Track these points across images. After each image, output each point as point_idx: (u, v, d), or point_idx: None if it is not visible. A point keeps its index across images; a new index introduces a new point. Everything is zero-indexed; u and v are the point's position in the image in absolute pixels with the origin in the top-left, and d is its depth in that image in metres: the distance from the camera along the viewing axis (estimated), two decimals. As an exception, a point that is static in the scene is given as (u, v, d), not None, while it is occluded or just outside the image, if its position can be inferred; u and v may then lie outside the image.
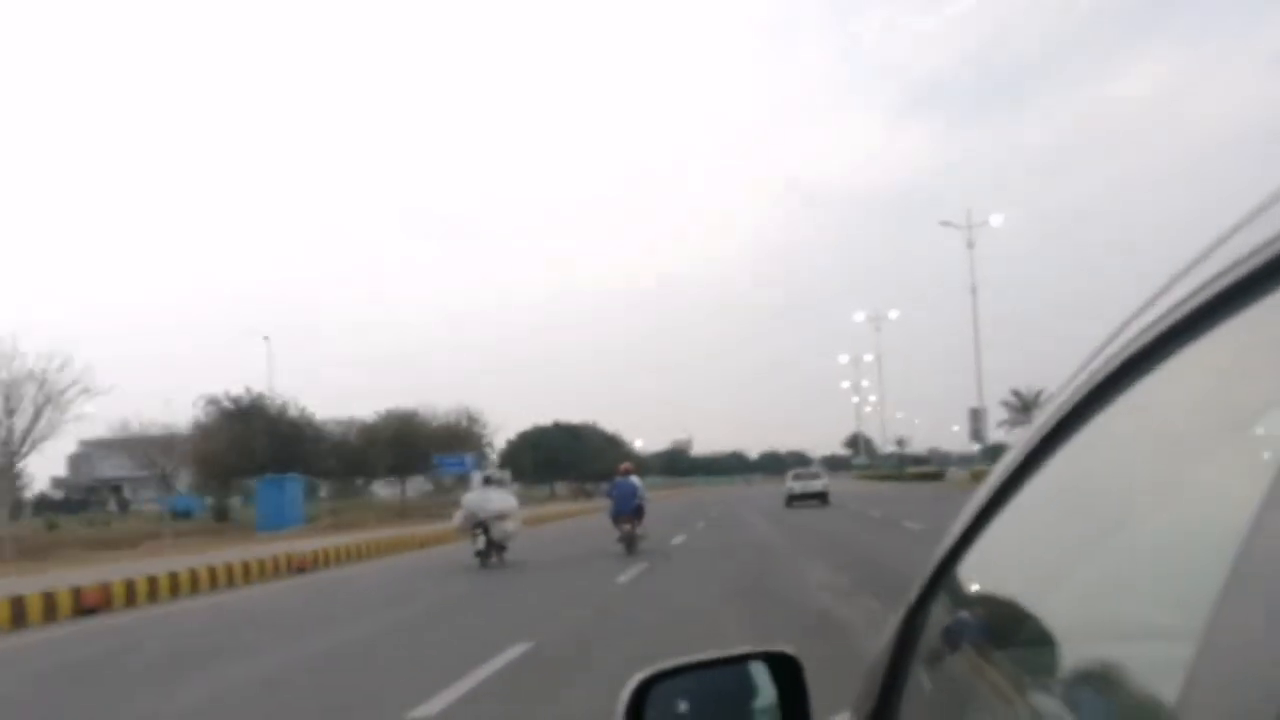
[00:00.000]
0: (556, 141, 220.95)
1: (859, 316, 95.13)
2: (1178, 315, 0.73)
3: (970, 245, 59.86)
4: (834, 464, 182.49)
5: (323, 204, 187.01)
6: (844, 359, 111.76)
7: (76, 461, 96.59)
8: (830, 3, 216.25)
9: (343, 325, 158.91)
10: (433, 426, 60.96)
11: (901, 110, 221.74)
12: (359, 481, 62.18)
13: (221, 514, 47.84)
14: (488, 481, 23.71)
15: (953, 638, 1.17)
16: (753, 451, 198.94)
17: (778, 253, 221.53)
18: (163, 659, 10.24)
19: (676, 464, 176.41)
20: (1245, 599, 0.55)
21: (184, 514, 57.89)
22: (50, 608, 14.16)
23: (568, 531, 34.76)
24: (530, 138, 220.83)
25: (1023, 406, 73.04)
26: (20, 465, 33.32)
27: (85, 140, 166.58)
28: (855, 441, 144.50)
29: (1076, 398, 0.90)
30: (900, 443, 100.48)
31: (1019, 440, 1.04)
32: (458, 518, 20.40)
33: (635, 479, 21.87)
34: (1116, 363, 0.83)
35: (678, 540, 24.21)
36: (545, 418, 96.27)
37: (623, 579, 15.40)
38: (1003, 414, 74.07)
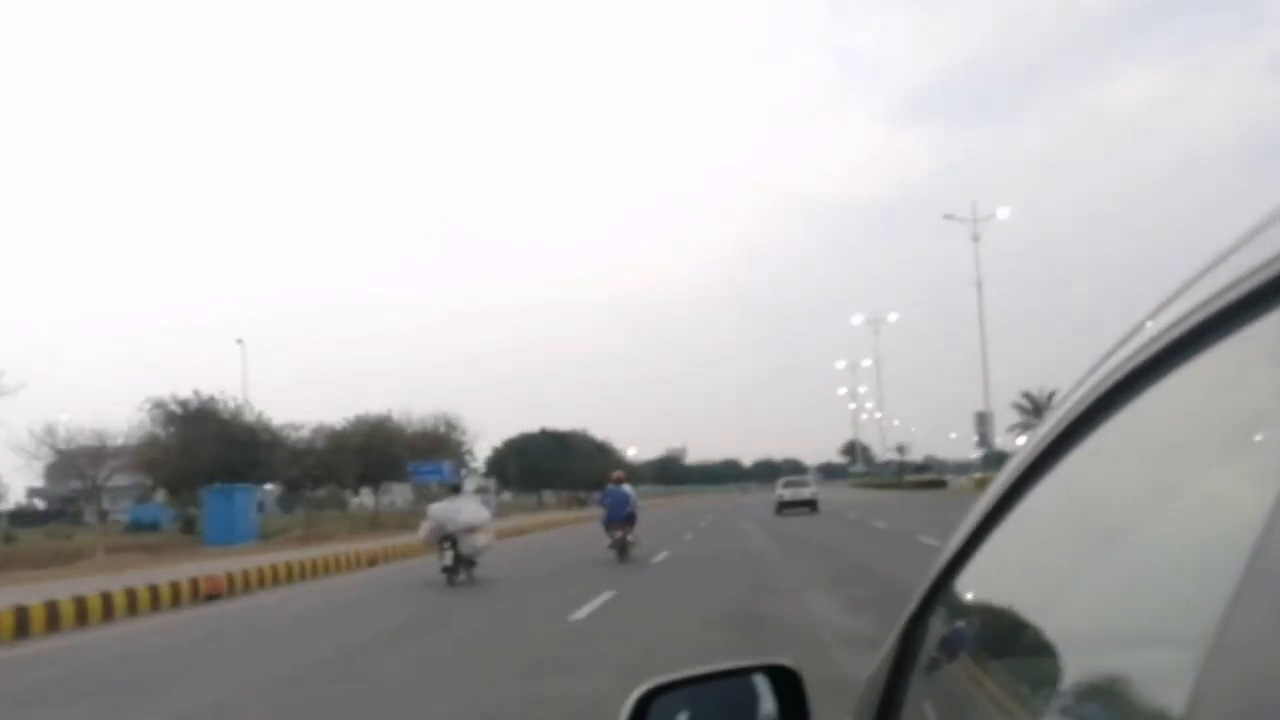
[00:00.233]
0: (550, 147, 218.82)
1: (857, 320, 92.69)
2: (1181, 329, 0.74)
3: (976, 239, 57.20)
4: (830, 472, 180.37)
5: (311, 209, 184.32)
6: (841, 364, 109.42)
7: (53, 471, 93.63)
8: (825, 10, 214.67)
9: (327, 332, 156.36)
10: (408, 433, 57.90)
11: (897, 116, 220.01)
12: (335, 491, 58.96)
13: (189, 526, 44.75)
14: (457, 490, 21.68)
15: (952, 648, 1.18)
16: (747, 460, 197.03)
17: (774, 258, 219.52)
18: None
19: (669, 472, 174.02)
20: (1252, 609, 0.55)
21: (150, 526, 54.65)
22: None
23: (554, 542, 32.54)
24: (525, 143, 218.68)
25: (1035, 410, 70.00)
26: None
27: (58, 144, 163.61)
28: (852, 449, 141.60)
29: (1079, 409, 0.90)
30: (900, 449, 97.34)
31: (1020, 450, 1.03)
32: (424, 530, 18.56)
33: (627, 487, 21.92)
34: (1119, 375, 0.83)
35: (659, 558, 21.11)
36: (535, 426, 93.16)
37: (579, 615, 12.29)
38: (1013, 418, 71.00)
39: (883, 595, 10.82)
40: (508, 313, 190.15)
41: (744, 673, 1.40)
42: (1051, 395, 66.59)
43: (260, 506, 50.07)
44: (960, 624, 1.19)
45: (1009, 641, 1.06)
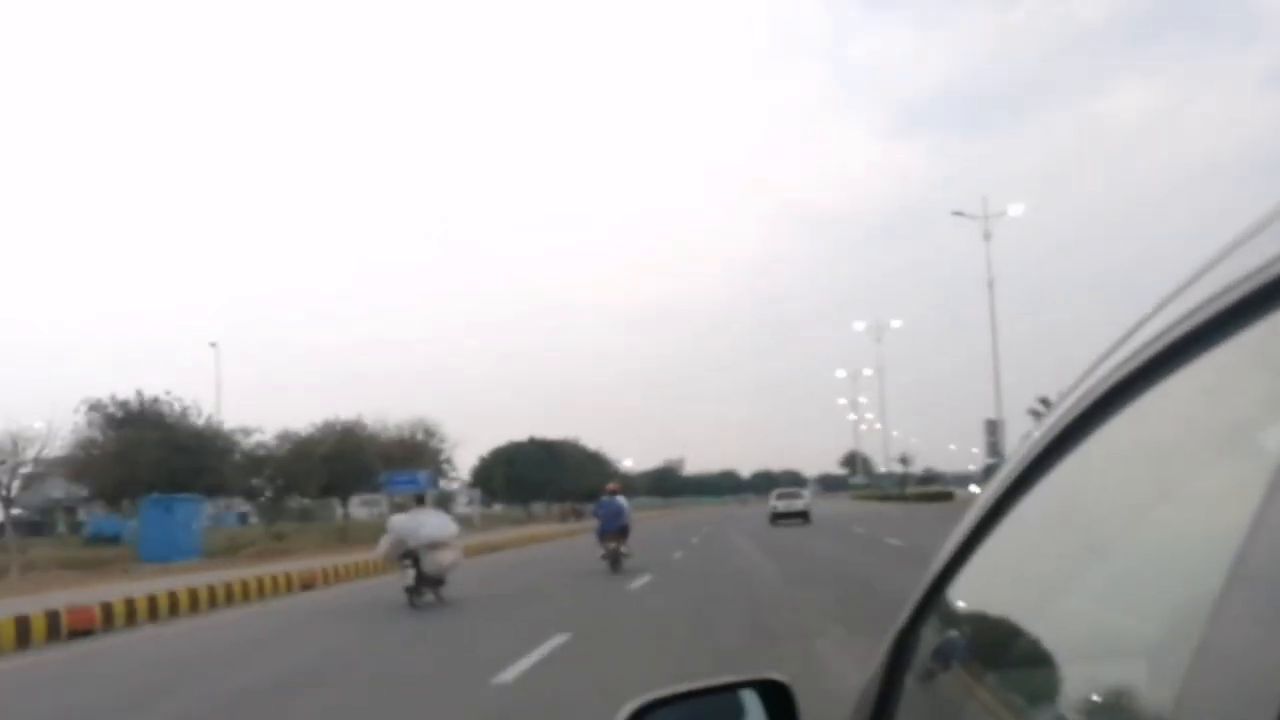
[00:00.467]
0: (549, 156, 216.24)
1: (859, 326, 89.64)
2: (1170, 337, 0.75)
3: (987, 237, 54.03)
4: (829, 484, 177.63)
5: (299, 213, 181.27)
6: (841, 373, 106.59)
7: (29, 481, 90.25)
8: (823, 23, 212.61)
9: (312, 339, 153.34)
10: (383, 440, 54.46)
11: (897, 128, 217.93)
12: (325, 502, 55.42)
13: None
14: (421, 501, 19.44)
15: (944, 657, 1.18)
16: (746, 471, 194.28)
17: (775, 269, 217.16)
18: None
19: (666, 483, 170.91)
20: (1235, 615, 0.56)
21: (112, 538, 51.18)
22: None
23: (538, 557, 30.07)
24: (522, 151, 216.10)
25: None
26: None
27: (41, 145, 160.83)
28: (852, 460, 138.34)
29: (1069, 417, 0.90)
30: (904, 460, 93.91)
31: (1012, 459, 1.03)
32: (382, 545, 16.72)
33: (621, 499, 21.89)
34: (1109, 383, 0.84)
35: (638, 583, 17.73)
36: (528, 436, 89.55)
37: (506, 678, 8.89)
38: (1025, 425, 67.61)
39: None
40: (501, 322, 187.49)
41: (736, 687, 1.38)
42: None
43: (236, 518, 46.81)
44: (953, 633, 1.19)
45: (1002, 650, 1.07)
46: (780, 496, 50.19)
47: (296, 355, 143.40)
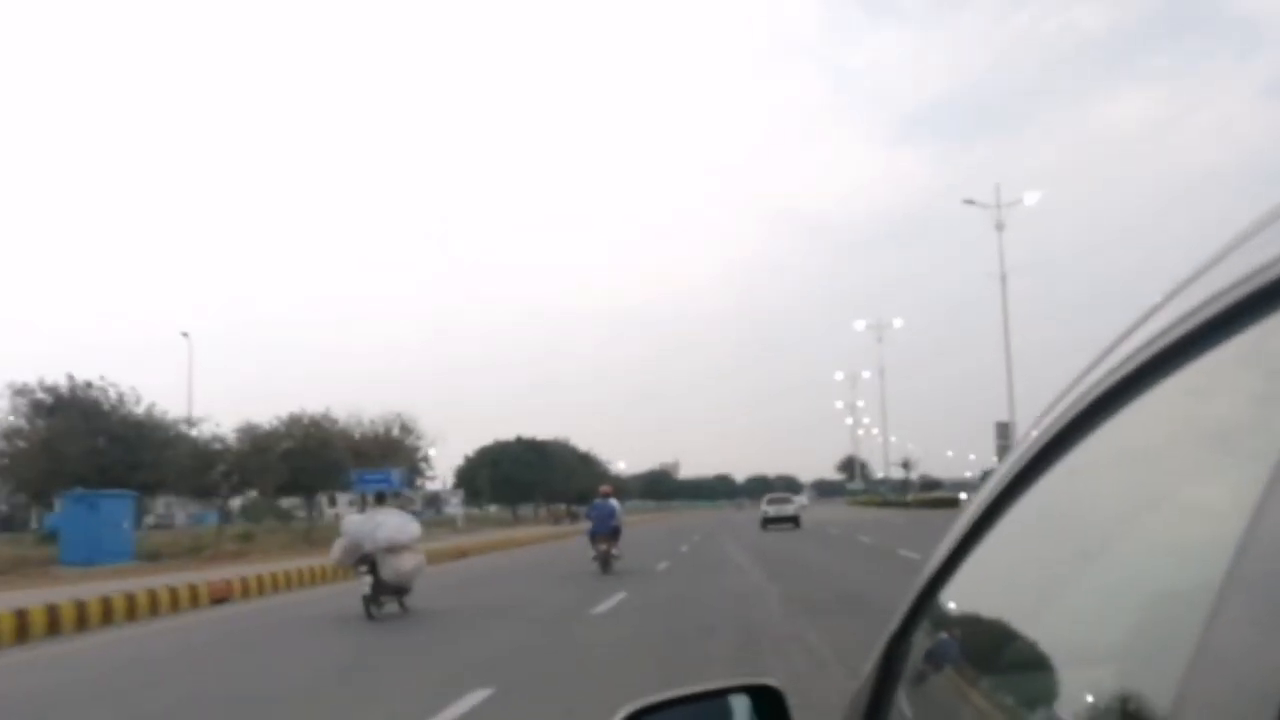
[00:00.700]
0: (547, 160, 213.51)
1: (859, 325, 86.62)
2: (1160, 344, 0.75)
3: (999, 227, 50.98)
4: (825, 489, 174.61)
5: (299, 213, 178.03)
6: (839, 375, 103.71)
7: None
8: (824, 29, 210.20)
9: (290, 334, 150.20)
10: (356, 436, 51.25)
11: (896, 135, 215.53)
12: (309, 499, 52.13)
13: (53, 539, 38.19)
14: (382, 500, 17.08)
15: (937, 661, 1.18)
16: (740, 476, 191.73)
17: (773, 273, 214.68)
18: None
19: (659, 487, 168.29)
20: (1235, 620, 0.56)
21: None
22: None
23: (519, 564, 27.58)
24: (520, 155, 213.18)
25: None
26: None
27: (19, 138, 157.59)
28: (850, 465, 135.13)
29: (1061, 423, 0.91)
30: (906, 465, 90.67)
31: (1005, 463, 1.03)
32: (336, 549, 14.82)
33: (614, 502, 21.91)
34: (1101, 389, 0.84)
35: (607, 604, 14.52)
36: (514, 435, 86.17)
37: None
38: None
39: None
40: (493, 321, 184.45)
41: (728, 693, 1.38)
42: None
43: (217, 517, 43.46)
44: (945, 637, 1.19)
45: (995, 653, 1.07)
46: (771, 502, 51.55)
47: (277, 351, 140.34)
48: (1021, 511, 1.01)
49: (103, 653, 12.20)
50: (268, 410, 68.50)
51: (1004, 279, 51.09)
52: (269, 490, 41.78)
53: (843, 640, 9.64)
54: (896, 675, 1.24)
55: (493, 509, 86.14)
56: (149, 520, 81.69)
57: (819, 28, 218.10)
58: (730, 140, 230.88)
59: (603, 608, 13.97)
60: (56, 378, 31.58)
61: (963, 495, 75.53)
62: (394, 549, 14.12)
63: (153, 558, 29.53)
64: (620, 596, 15.45)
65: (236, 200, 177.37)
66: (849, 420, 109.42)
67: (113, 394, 30.61)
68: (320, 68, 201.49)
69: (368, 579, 13.96)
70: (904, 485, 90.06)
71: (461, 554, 32.09)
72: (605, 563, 20.69)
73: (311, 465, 42.75)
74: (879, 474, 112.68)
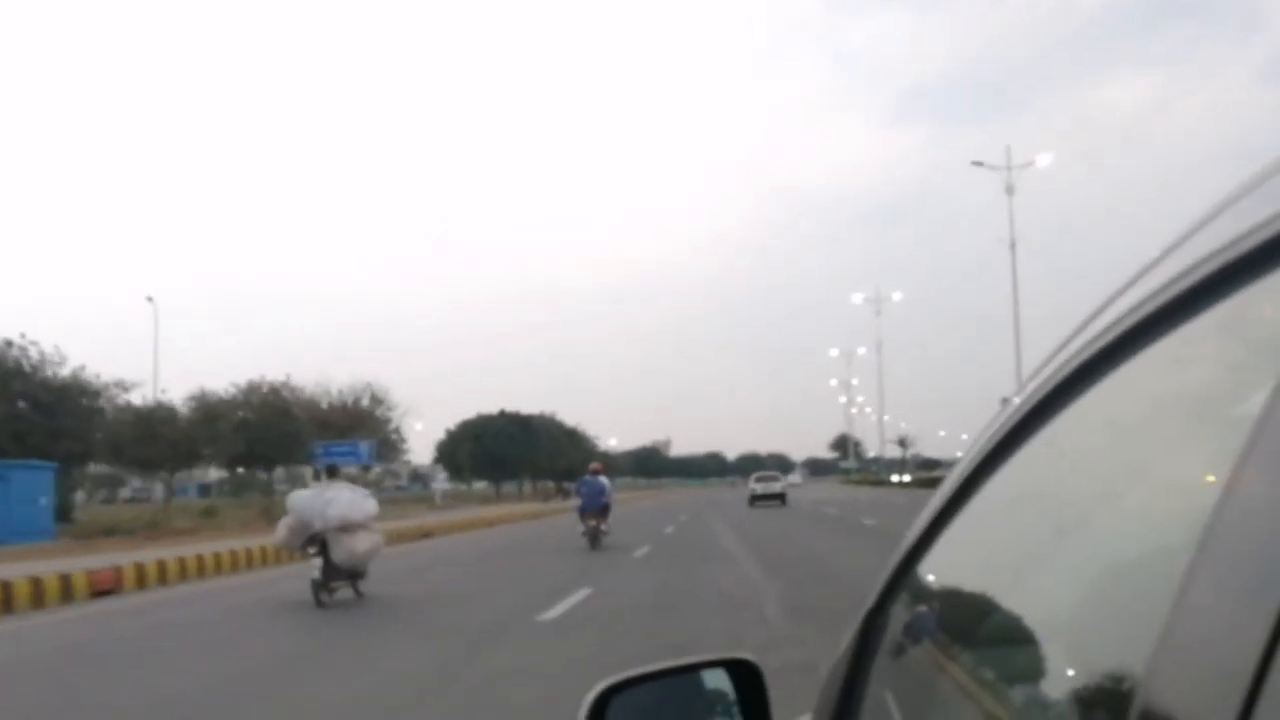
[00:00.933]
0: (541, 136, 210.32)
1: (857, 298, 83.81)
2: (1136, 317, 0.76)
3: (1009, 191, 47.95)
4: (817, 468, 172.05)
5: (271, 176, 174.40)
6: (834, 352, 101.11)
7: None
8: (823, 9, 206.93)
9: (264, 304, 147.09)
10: (324, 406, 48.22)
11: (893, 114, 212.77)
12: (296, 471, 49.06)
13: (65, 513, 35.30)
14: (334, 474, 15.99)
15: (914, 634, 1.18)
16: (732, 454, 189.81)
17: (770, 252, 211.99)
18: None
19: (649, 464, 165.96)
20: (1206, 592, 0.56)
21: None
22: None
23: (489, 547, 24.65)
24: (512, 126, 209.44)
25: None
26: None
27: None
28: (844, 443, 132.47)
29: (1039, 395, 0.91)
30: (903, 443, 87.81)
31: (982, 435, 1.03)
32: (281, 529, 13.29)
33: (604, 479, 22.19)
34: (1077, 362, 0.84)
35: (564, 605, 11.50)
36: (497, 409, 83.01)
37: None
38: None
39: None
40: (485, 299, 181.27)
41: (705, 667, 1.38)
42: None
43: (197, 491, 40.56)
44: (922, 610, 1.19)
45: (971, 626, 1.07)
46: (759, 480, 53.66)
47: (254, 324, 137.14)
48: (999, 484, 1.00)
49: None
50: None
51: (1013, 246, 48.16)
52: (221, 463, 38.58)
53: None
54: (874, 648, 1.23)
55: (481, 485, 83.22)
56: (124, 494, 79.09)
57: (818, 7, 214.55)
58: (722, 116, 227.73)
59: (553, 613, 10.93)
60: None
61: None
62: (347, 528, 12.55)
63: (86, 536, 26.59)
64: (581, 595, 12.46)
65: (216, 168, 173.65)
66: (843, 398, 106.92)
67: (34, 354, 27.40)
68: (290, 28, 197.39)
69: (317, 562, 12.42)
70: (901, 464, 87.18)
71: (425, 534, 29.09)
72: (594, 539, 20.91)
73: (269, 436, 39.74)
74: (872, 453, 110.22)
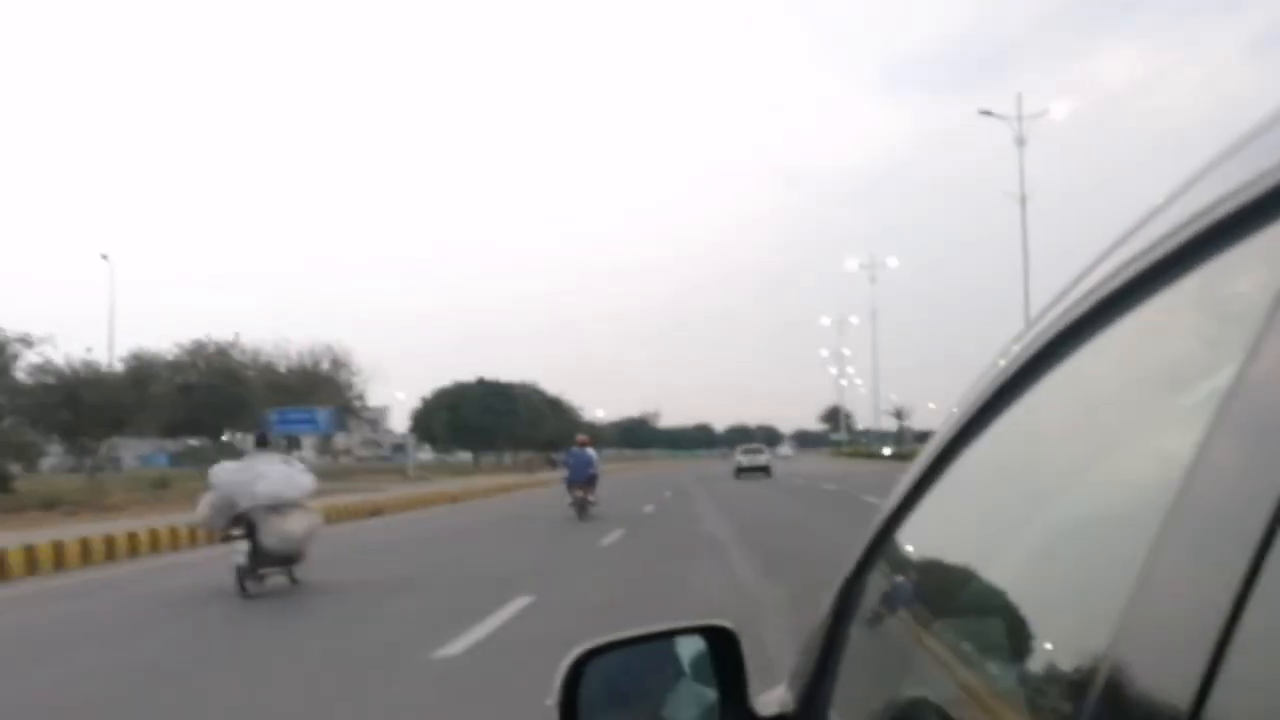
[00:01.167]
0: (521, 102, 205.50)
1: (851, 265, 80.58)
2: (1113, 285, 0.76)
3: (1020, 142, 44.55)
4: (806, 440, 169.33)
5: (268, 150, 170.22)
6: (826, 321, 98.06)
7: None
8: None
9: (236, 262, 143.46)
10: (282, 370, 44.79)
11: (882, 86, 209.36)
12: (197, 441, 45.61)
13: (3, 482, 31.88)
14: (263, 444, 12.53)
15: (891, 603, 1.19)
16: (721, 425, 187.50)
17: (761, 224, 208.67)
18: None
19: (637, 436, 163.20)
20: (1171, 556, 0.57)
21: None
22: None
23: (455, 524, 22.22)
24: (493, 95, 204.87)
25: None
26: None
27: None
28: (835, 415, 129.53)
29: (1018, 362, 0.91)
30: (899, 414, 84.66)
31: (961, 404, 1.03)
32: (203, 507, 11.29)
33: (591, 450, 22.49)
34: (1056, 329, 0.85)
35: (481, 631, 8.14)
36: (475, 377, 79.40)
37: None
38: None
39: None
40: (475, 270, 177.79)
41: (682, 633, 1.36)
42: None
43: (166, 460, 37.25)
44: (899, 579, 1.19)
45: (947, 594, 1.09)
46: (745, 452, 54.80)
47: (224, 290, 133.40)
48: (976, 454, 1.01)
49: None
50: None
51: (1024, 201, 44.83)
52: (153, 430, 35.11)
53: None
54: (851, 617, 1.24)
55: (467, 456, 79.93)
56: (88, 463, 75.72)
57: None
58: (709, 88, 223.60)
59: (457, 646, 7.55)
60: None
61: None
62: (278, 507, 10.93)
63: (17, 510, 23.25)
64: (513, 608, 9.15)
65: (196, 132, 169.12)
66: (834, 369, 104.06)
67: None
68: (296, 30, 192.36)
69: (243, 545, 10.73)
70: (897, 436, 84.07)
71: (375, 512, 25.77)
72: (582, 508, 21.31)
73: (213, 402, 36.28)
74: (864, 424, 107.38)
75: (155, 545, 17.07)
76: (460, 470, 67.56)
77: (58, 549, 14.56)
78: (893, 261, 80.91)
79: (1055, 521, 0.91)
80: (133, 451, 69.64)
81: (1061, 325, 0.84)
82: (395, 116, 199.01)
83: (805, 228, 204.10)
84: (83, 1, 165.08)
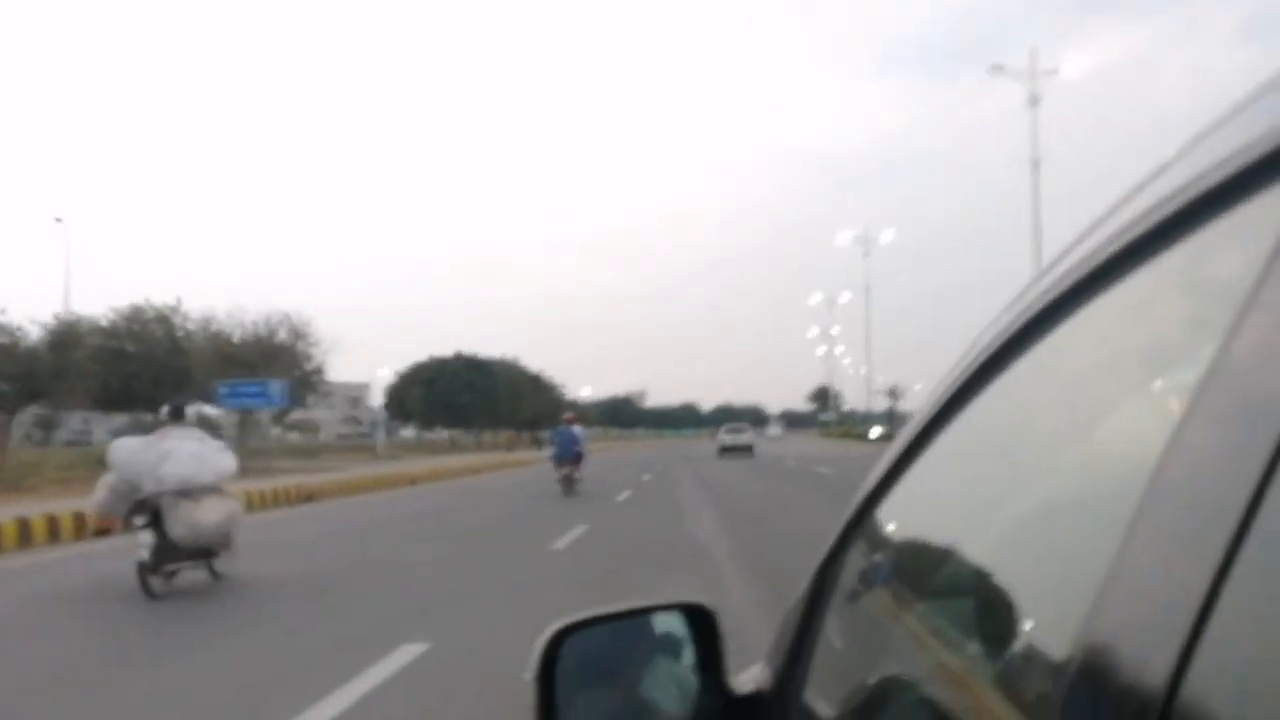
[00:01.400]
0: (505, 76, 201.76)
1: (844, 238, 77.66)
2: (1092, 264, 0.77)
3: (1033, 102, 41.55)
4: (794, 420, 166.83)
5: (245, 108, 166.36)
6: (817, 298, 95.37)
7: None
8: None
9: (199, 227, 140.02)
10: (235, 340, 41.41)
11: (871, 70, 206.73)
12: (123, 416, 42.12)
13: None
14: (178, 416, 10.62)
15: (869, 581, 1.19)
16: (707, 405, 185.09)
17: (752, 201, 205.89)
18: None
19: (622, 414, 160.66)
20: (1145, 538, 0.58)
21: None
22: None
23: (398, 513, 18.96)
24: (481, 75, 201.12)
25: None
26: None
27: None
28: (824, 395, 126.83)
29: (999, 341, 0.91)
30: (893, 394, 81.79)
31: (940, 385, 1.03)
32: (100, 491, 9.65)
33: (577, 429, 22.99)
34: (1037, 308, 0.85)
35: (378, 674, 4.96)
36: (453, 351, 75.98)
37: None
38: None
39: None
40: (459, 245, 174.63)
41: (659, 610, 1.35)
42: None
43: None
44: (878, 557, 1.19)
45: (924, 574, 1.08)
46: (728, 431, 56.82)
47: (202, 257, 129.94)
48: (956, 433, 1.01)
49: None
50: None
51: (1036, 165, 41.82)
52: (82, 403, 31.90)
53: None
54: (830, 595, 1.24)
55: (454, 433, 76.68)
56: (60, 436, 72.41)
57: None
58: (699, 67, 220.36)
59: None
60: None
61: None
62: (189, 492, 9.30)
63: None
64: (397, 662, 6.01)
65: (166, 97, 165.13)
66: (822, 348, 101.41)
67: None
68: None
69: (147, 537, 9.10)
70: (889, 417, 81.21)
71: (307, 497, 22.61)
72: (569, 485, 21.72)
73: (151, 372, 33.01)
74: (857, 405, 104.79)
75: (54, 534, 14.47)
76: (437, 449, 64.45)
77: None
78: (887, 236, 77.91)
79: (1034, 501, 0.90)
80: (104, 426, 66.33)
81: (1040, 305, 0.84)
82: (383, 99, 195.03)
83: (796, 205, 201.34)
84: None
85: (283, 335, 42.37)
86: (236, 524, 9.79)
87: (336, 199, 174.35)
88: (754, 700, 1.31)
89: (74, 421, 65.31)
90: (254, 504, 19.69)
